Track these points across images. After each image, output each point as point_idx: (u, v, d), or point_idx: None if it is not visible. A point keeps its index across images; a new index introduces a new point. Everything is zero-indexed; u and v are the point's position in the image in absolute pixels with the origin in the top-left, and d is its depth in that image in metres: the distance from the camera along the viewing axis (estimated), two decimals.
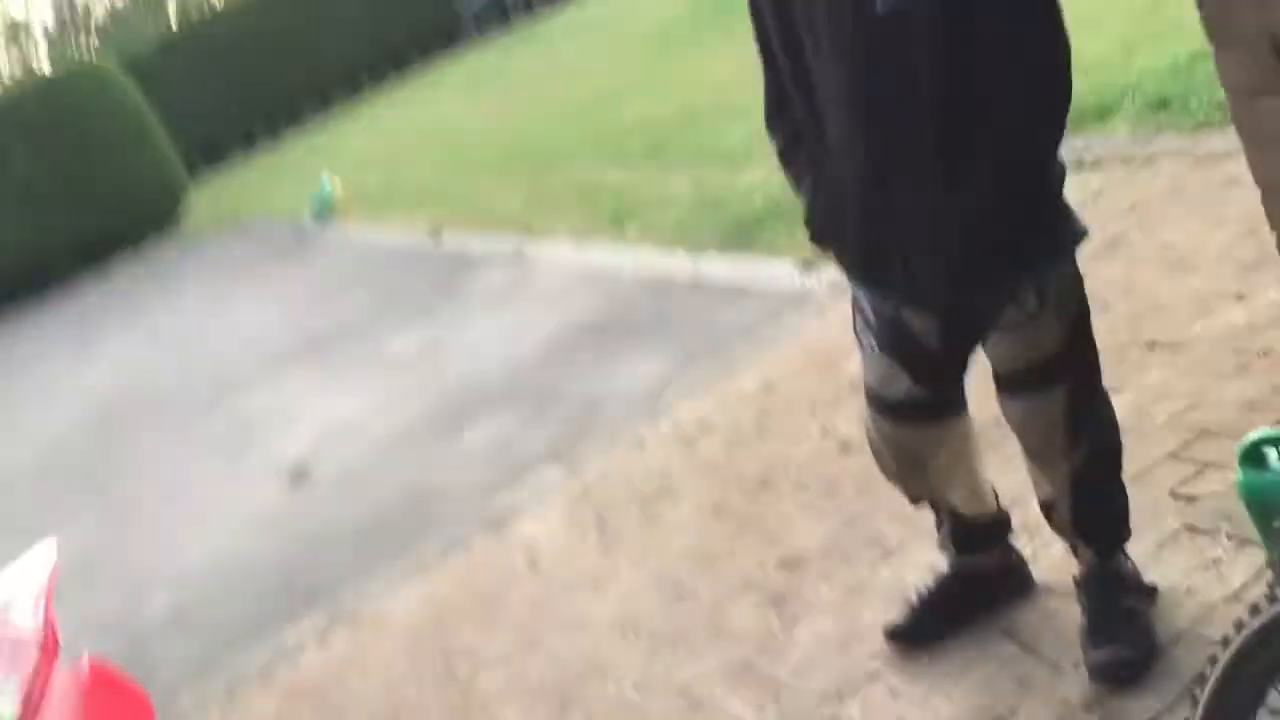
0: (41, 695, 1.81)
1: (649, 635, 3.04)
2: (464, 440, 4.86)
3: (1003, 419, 2.33)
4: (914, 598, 2.59)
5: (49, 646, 1.89)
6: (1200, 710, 1.45)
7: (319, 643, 3.72)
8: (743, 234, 5.66)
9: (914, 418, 2.30)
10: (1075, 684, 2.26)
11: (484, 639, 3.35)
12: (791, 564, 3.04)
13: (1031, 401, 2.21)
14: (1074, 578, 2.38)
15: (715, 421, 4.01)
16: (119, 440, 6.98)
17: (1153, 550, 2.47)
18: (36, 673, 1.82)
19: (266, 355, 7.38)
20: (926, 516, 2.62)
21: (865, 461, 3.23)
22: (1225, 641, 1.41)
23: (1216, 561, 2.38)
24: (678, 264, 5.75)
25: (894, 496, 2.84)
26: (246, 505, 5.17)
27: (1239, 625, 1.40)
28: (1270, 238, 2.02)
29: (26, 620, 1.91)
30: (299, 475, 5.19)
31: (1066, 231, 2.15)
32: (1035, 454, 2.28)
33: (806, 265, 4.84)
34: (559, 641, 3.19)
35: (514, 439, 4.66)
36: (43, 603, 1.95)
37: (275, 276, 9.75)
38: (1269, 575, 2.01)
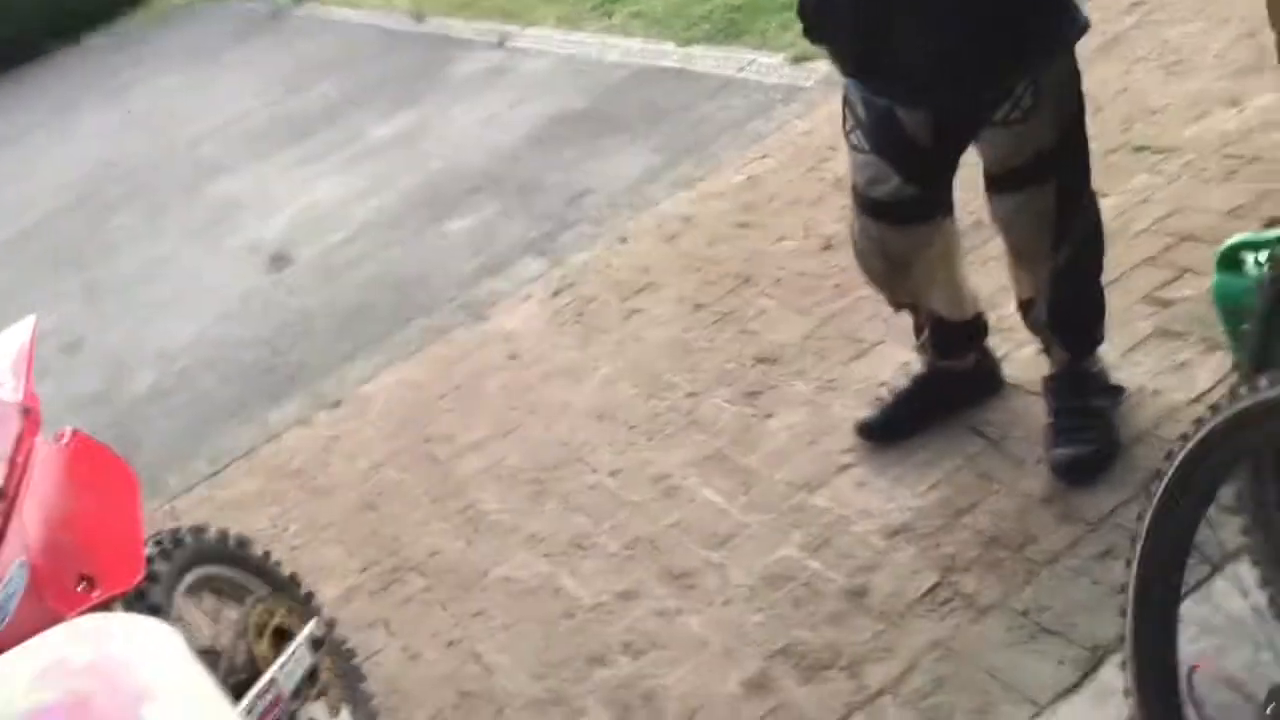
0: (25, 465, 1.85)
1: (626, 425, 3.10)
2: (446, 229, 4.83)
3: (983, 222, 2.33)
4: (887, 395, 2.63)
5: (31, 417, 1.92)
6: (1153, 504, 1.49)
7: (302, 425, 3.78)
8: (733, 25, 5.49)
9: (901, 218, 2.28)
10: (1037, 479, 2.33)
11: (464, 425, 3.41)
12: (768, 359, 3.08)
13: (1022, 198, 2.19)
14: (1044, 378, 2.42)
15: (698, 216, 3.99)
16: (97, 222, 6.90)
17: (1123, 352, 2.51)
18: (20, 442, 1.85)
19: (245, 137, 7.24)
20: (904, 317, 2.65)
21: (846, 260, 3.23)
22: (1184, 438, 1.45)
23: (1185, 364, 2.42)
24: (665, 54, 5.59)
25: (873, 296, 2.85)
26: (227, 288, 5.16)
27: (1199, 422, 1.43)
28: (1270, 41, 1.97)
29: (7, 391, 1.93)
30: (279, 260, 5.17)
31: (1067, 25, 2.09)
32: (1020, 252, 2.28)
33: (797, 59, 4.72)
34: (537, 429, 3.25)
35: (496, 229, 4.63)
36: (23, 374, 1.96)
37: (252, 56, 9.46)
38: (1234, 377, 2.04)
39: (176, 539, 2.14)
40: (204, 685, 0.61)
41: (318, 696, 2.25)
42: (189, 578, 2.13)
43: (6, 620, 1.67)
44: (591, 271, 3.94)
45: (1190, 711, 1.51)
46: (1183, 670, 1.52)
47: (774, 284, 3.40)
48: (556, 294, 3.90)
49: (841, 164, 3.74)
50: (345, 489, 3.37)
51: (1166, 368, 2.44)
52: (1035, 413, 2.45)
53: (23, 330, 2.14)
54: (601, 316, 3.65)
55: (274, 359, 4.33)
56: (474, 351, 3.78)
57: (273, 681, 2.05)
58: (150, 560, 2.01)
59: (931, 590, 2.22)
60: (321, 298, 4.69)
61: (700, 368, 3.18)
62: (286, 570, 2.52)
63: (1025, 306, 2.36)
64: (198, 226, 6.12)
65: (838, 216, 3.55)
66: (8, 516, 1.77)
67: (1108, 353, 2.45)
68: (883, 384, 2.70)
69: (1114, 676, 1.84)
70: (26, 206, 7.78)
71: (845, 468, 2.60)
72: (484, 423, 3.38)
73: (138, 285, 5.66)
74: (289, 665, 2.12)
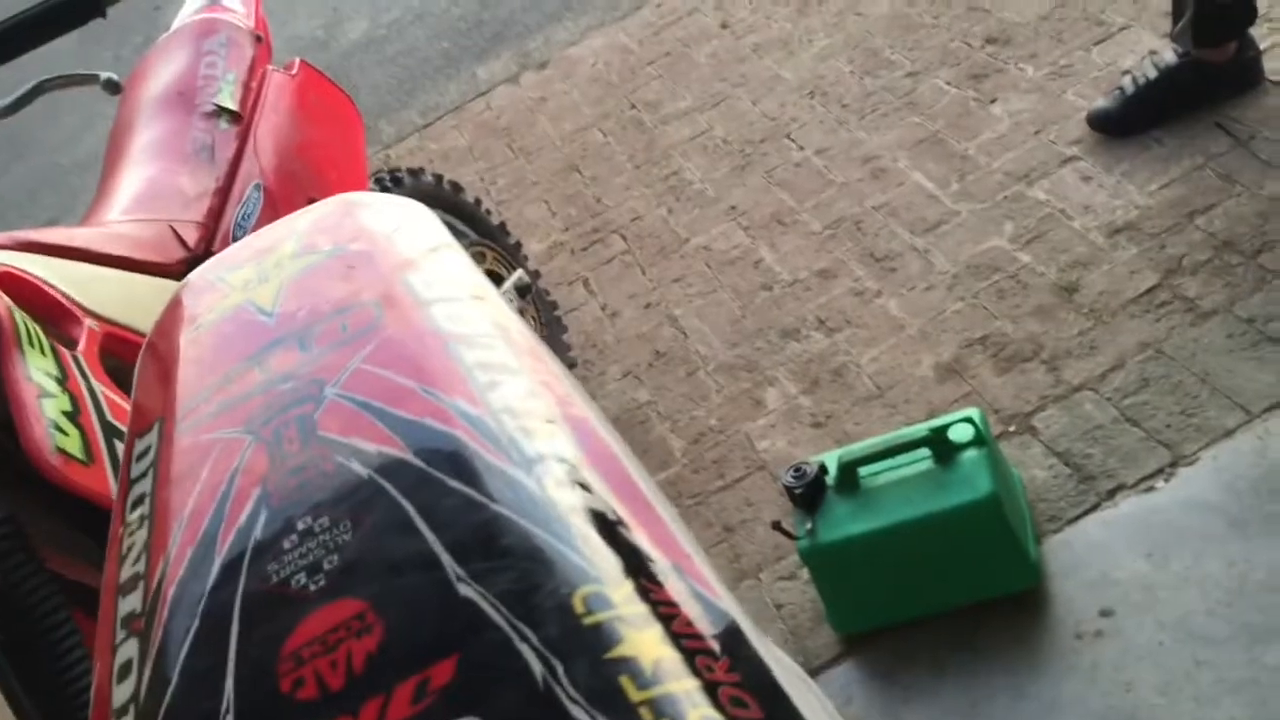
0: (259, 90, 1.90)
1: (838, 102, 2.99)
2: None
3: None
4: (1128, 84, 2.44)
5: (263, 44, 1.96)
6: None
7: (509, 83, 3.79)
8: None
9: None
10: None
11: (670, 93, 3.36)
12: (998, 39, 2.88)
13: None
14: None
15: None
16: None
17: None
18: (253, 67, 1.90)
19: None
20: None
21: None
22: None
23: None
24: None
25: None
26: None
27: None
28: None
29: (240, 18, 1.97)
30: None
31: None
32: None
33: None
34: (745, 102, 3.17)
35: None
36: (253, 1, 1.99)
37: None
38: None
39: (395, 177, 2.21)
40: (465, 260, 0.63)
41: None
42: None
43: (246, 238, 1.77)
44: None
45: None
46: None
47: None
48: None
49: None
50: (550, 149, 3.40)
51: None
52: None
53: None
54: None
55: (482, 13, 4.30)
56: (684, 18, 3.66)
57: None
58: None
59: (1150, 291, 2.13)
60: None
61: (923, 46, 3.01)
62: (495, 220, 2.59)
63: None
64: None
65: None
66: (244, 139, 1.84)
67: None
68: (1125, 72, 2.50)
69: None
70: None
71: (1070, 160, 2.47)
72: (691, 92, 3.32)
73: None
74: None
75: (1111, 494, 1.87)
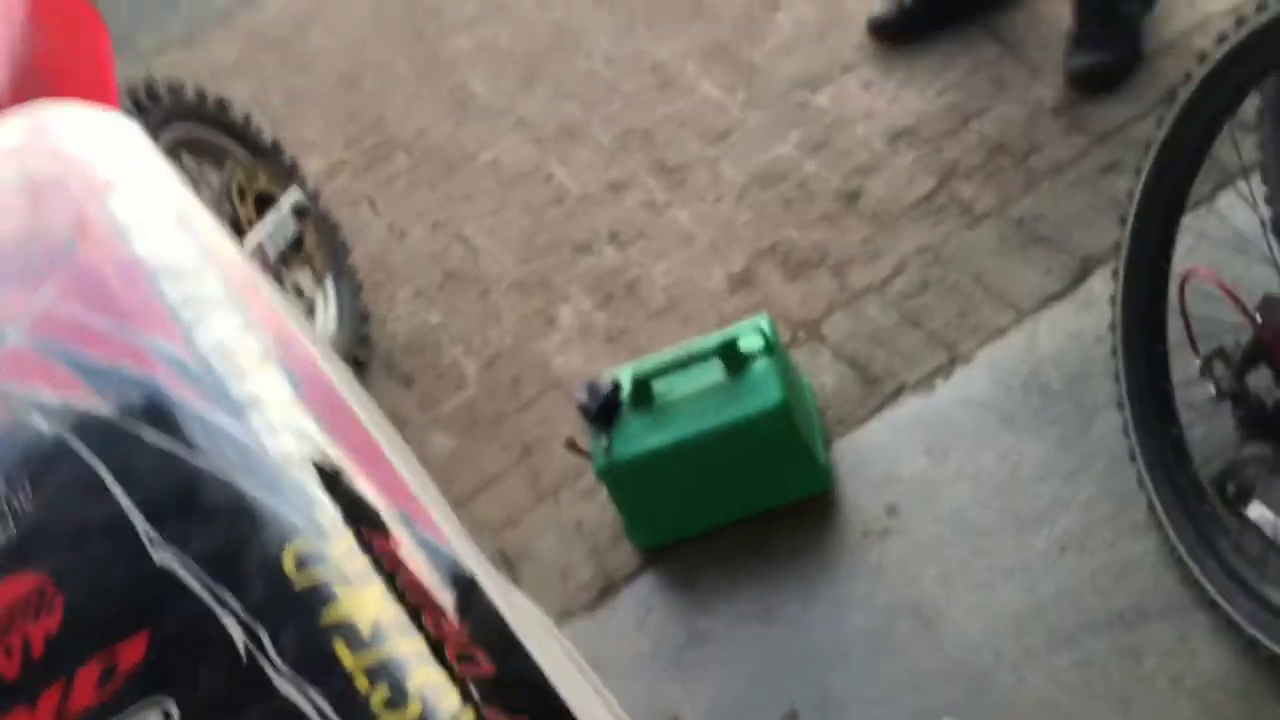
0: None
1: (625, 9, 2.94)
2: None
3: None
4: None
5: None
6: (1176, 108, 1.42)
7: None
8: None
9: None
10: (1051, 88, 2.23)
11: (453, 1, 3.23)
12: None
13: None
14: None
15: None
16: None
17: None
18: None
19: None
20: None
21: None
22: (1221, 38, 1.35)
23: None
24: None
25: None
26: None
27: (1221, 37, 1.34)
28: None
29: None
30: None
31: None
32: None
33: None
34: (530, 9, 3.09)
35: None
36: None
37: None
38: None
39: (152, 93, 2.05)
40: (175, 182, 0.56)
41: (302, 265, 2.25)
42: (165, 135, 2.06)
43: None
44: None
45: (1177, 320, 1.51)
46: (1174, 280, 1.51)
47: None
48: None
49: None
50: (326, 61, 3.23)
51: None
52: (1059, 18, 2.31)
53: None
54: None
55: None
56: None
57: (258, 245, 2.04)
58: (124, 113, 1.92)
59: (928, 196, 2.18)
60: None
61: None
62: (268, 138, 2.45)
63: None
64: None
65: None
66: None
67: None
68: None
69: (1101, 285, 1.85)
70: None
71: (852, 67, 2.49)
72: (473, 2, 3.20)
73: None
74: (273, 229, 2.10)
75: (895, 394, 1.92)
